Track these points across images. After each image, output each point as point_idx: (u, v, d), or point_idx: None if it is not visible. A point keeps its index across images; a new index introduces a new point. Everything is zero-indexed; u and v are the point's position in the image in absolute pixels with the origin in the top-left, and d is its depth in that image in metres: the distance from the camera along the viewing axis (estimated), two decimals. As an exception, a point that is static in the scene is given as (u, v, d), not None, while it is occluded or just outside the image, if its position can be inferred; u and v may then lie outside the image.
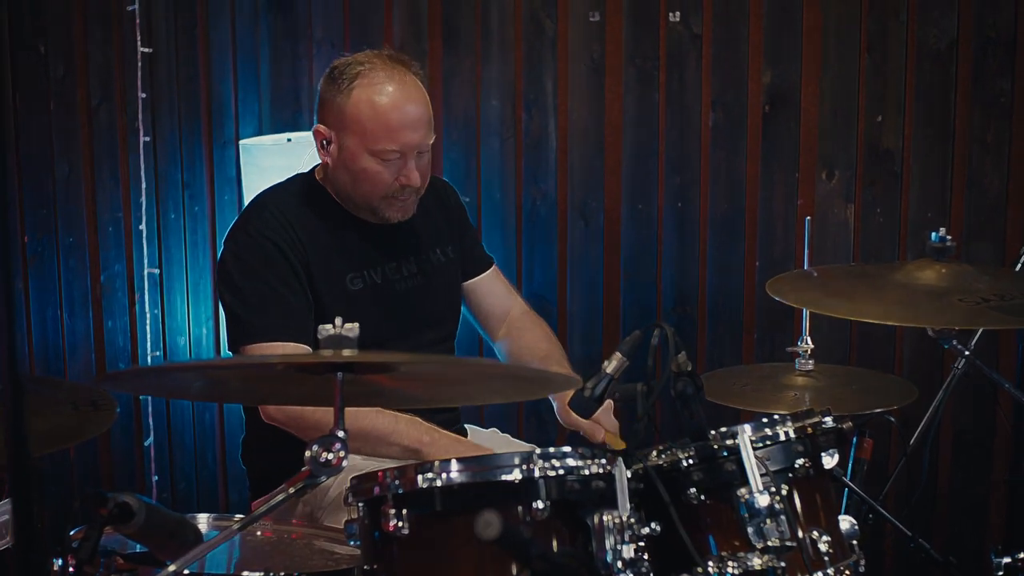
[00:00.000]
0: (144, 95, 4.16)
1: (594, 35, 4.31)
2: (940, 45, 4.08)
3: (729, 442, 2.41)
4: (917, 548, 3.03)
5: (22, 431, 1.54)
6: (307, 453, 2.08)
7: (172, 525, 2.23)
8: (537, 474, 2.25)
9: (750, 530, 2.37)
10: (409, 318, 3.29)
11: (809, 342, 3.25)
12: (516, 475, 2.26)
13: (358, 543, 2.39)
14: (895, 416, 3.31)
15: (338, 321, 2.09)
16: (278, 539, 2.82)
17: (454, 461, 2.26)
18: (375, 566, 2.32)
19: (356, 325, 2.09)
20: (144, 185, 4.24)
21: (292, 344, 3.11)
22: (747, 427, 2.43)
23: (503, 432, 3.54)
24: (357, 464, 3.05)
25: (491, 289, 3.54)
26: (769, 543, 2.35)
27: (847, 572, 2.48)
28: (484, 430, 3.53)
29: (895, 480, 3.47)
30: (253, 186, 4.26)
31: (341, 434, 2.09)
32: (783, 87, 4.20)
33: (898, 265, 3.06)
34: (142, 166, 4.21)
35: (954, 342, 3.08)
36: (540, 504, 2.24)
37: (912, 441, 3.35)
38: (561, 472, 2.26)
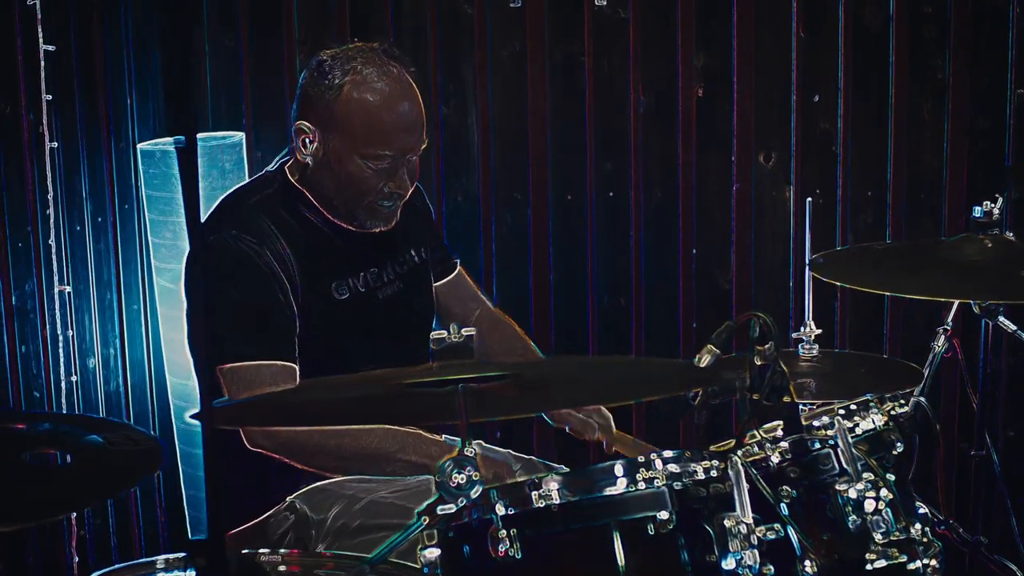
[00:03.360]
0: (49, 97, 3.82)
1: (515, 22, 4.14)
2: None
3: (822, 433, 2.29)
4: (948, 529, 2.98)
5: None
6: (436, 478, 1.87)
7: None
8: (659, 483, 2.08)
9: (854, 525, 2.26)
10: (395, 325, 3.08)
11: (813, 327, 3.15)
12: (632, 486, 2.09)
13: (438, 572, 2.17)
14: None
15: (454, 327, 1.89)
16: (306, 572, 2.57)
17: (558, 477, 2.07)
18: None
19: (473, 331, 1.89)
20: (51, 195, 3.89)
21: (278, 363, 2.87)
22: (838, 418, 2.31)
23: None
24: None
25: (458, 292, 3.36)
26: (878, 537, 2.24)
27: (935, 561, 2.39)
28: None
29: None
30: (156, 193, 3.96)
31: (471, 452, 1.88)
32: (716, 70, 4.12)
33: (940, 241, 3.00)
34: (48, 175, 3.86)
35: (1001, 319, 3.03)
36: (664, 515, 2.07)
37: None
38: (682, 478, 2.10)
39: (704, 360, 2.27)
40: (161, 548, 4.21)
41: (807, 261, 3.09)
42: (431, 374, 1.85)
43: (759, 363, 2.27)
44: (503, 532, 2.04)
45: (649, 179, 4.21)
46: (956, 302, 3.27)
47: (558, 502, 2.04)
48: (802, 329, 3.17)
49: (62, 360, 3.96)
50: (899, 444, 2.41)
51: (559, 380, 2.19)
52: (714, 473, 2.15)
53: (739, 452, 2.19)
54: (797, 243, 4.17)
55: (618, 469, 2.12)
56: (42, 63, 3.81)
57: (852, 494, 2.24)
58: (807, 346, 3.17)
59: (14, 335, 3.82)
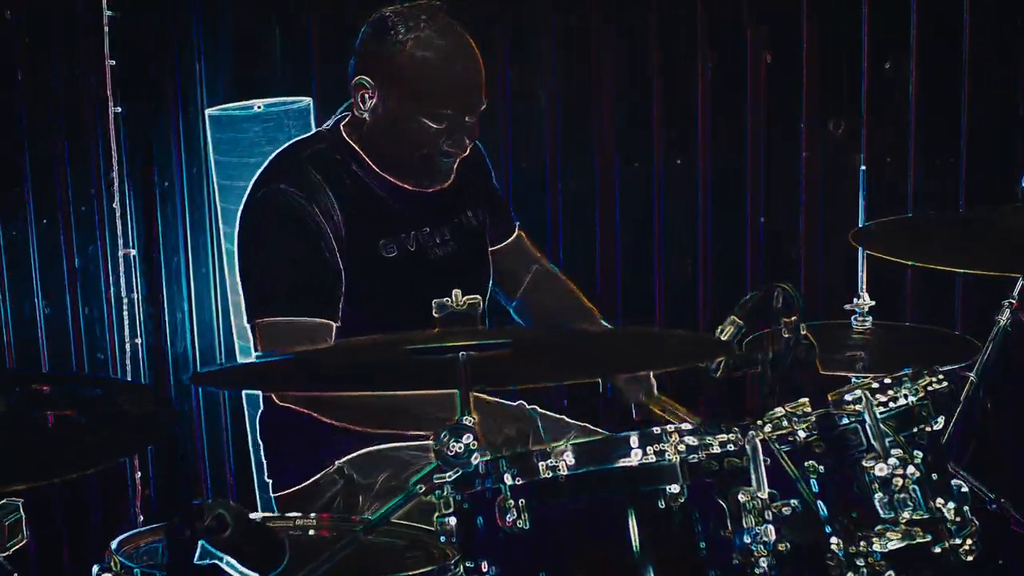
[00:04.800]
0: (112, 62, 3.85)
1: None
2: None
3: (850, 408, 2.22)
4: (1001, 509, 2.88)
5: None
6: (433, 445, 1.85)
7: (262, 538, 2.00)
8: (670, 455, 2.04)
9: (880, 503, 2.20)
10: (446, 287, 3.03)
11: (867, 297, 3.07)
12: (644, 457, 2.05)
13: (453, 540, 2.15)
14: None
15: (456, 294, 1.86)
16: (339, 537, 2.57)
17: (572, 448, 2.04)
18: (482, 564, 2.10)
19: (478, 299, 1.87)
20: (115, 160, 3.93)
21: (315, 320, 2.85)
22: (867, 391, 2.24)
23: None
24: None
25: (516, 256, 3.29)
26: (905, 515, 2.17)
27: (970, 541, 2.31)
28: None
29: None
30: (223, 159, 3.99)
31: (470, 421, 1.86)
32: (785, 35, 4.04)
33: (995, 212, 2.89)
34: (112, 140, 3.90)
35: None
36: (676, 488, 2.03)
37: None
38: (695, 450, 2.06)
39: (727, 332, 2.23)
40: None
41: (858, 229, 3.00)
42: (433, 340, 1.83)
43: (785, 335, 2.22)
44: (511, 502, 2.02)
45: (716, 146, 4.14)
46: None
47: (566, 473, 2.01)
48: (855, 300, 3.09)
49: (126, 323, 4.01)
50: (936, 420, 2.34)
51: (563, 349, 2.16)
52: (731, 447, 2.10)
53: (757, 426, 2.14)
54: (868, 213, 4.07)
55: (633, 440, 2.08)
56: (106, 29, 3.84)
57: (879, 471, 2.18)
58: (860, 318, 3.09)
59: (77, 298, 3.87)
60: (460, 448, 1.85)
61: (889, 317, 3.37)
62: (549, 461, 2.02)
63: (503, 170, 4.19)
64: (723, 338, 2.22)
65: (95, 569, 2.17)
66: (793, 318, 2.23)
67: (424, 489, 1.86)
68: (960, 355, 3.09)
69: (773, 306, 2.17)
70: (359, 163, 2.98)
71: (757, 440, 2.07)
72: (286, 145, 3.11)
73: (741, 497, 2.06)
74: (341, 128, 3.02)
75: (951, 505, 2.27)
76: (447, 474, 1.86)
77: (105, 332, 3.97)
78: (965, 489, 2.36)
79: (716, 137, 4.15)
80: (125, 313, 4.02)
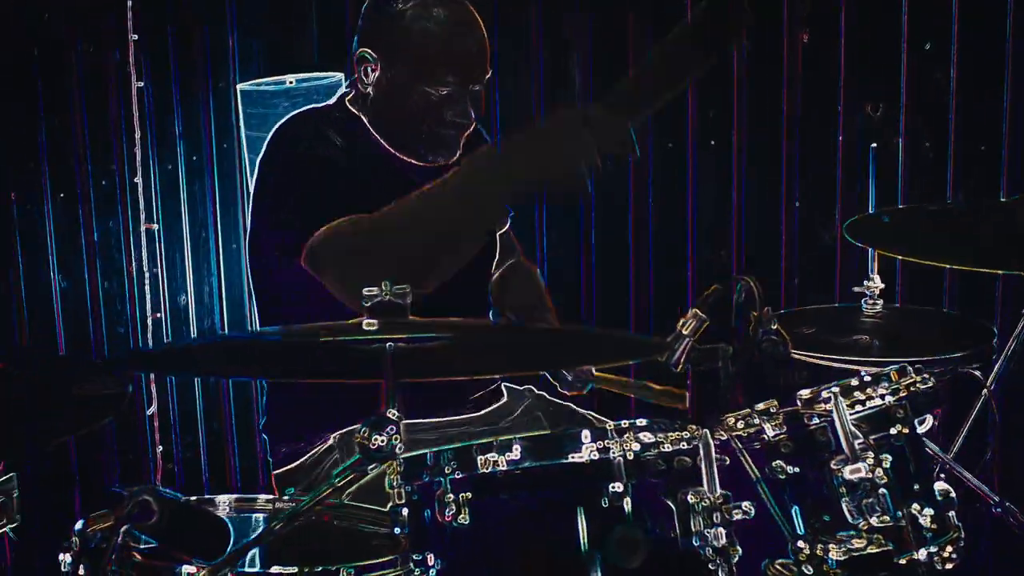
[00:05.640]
0: (136, 37, 3.85)
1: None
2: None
3: (820, 407, 2.13)
4: (1005, 512, 2.77)
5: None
6: (356, 438, 1.80)
7: (198, 522, 1.96)
8: (614, 453, 1.97)
9: (848, 507, 2.10)
10: None
11: (878, 280, 2.95)
12: (590, 455, 1.98)
13: (406, 531, 2.11)
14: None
15: (386, 283, 1.81)
16: (306, 521, 2.54)
17: (517, 443, 1.98)
18: (428, 557, 2.05)
19: (407, 287, 1.81)
20: (138, 135, 3.94)
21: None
22: (837, 389, 2.15)
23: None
24: None
25: (503, 241, 3.27)
26: (873, 521, 2.08)
27: (949, 549, 2.21)
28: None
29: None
30: (254, 134, 3.97)
31: (394, 414, 1.81)
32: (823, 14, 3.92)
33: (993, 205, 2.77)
34: (135, 114, 3.91)
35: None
36: (619, 487, 1.96)
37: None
38: (639, 449, 1.99)
39: (689, 325, 2.15)
40: (259, 484, 4.26)
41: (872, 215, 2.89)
42: (361, 332, 1.78)
43: (752, 329, 2.14)
44: (450, 496, 1.96)
45: (753, 127, 4.04)
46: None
47: (504, 468, 1.95)
48: (864, 283, 2.98)
49: (148, 296, 4.02)
50: (922, 421, 2.24)
51: (494, 345, 2.09)
52: (684, 445, 2.02)
53: (715, 424, 2.06)
54: (906, 198, 3.95)
55: (585, 435, 2.02)
56: (128, 3, 3.84)
57: (846, 474, 2.09)
58: (870, 301, 2.98)
59: (96, 272, 3.88)
60: (383, 441, 1.79)
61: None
62: (490, 455, 1.96)
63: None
64: (684, 332, 2.15)
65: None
66: (766, 310, 2.15)
67: (342, 483, 1.80)
68: (974, 341, 2.96)
69: (735, 299, 2.08)
70: (364, 135, 2.93)
71: (710, 438, 1.99)
72: (300, 110, 3.04)
73: (690, 498, 1.98)
74: (346, 102, 2.98)
75: (928, 511, 2.17)
76: (369, 467, 1.80)
77: (126, 306, 3.99)
78: (953, 494, 2.27)
79: (751, 118, 4.04)
80: (147, 287, 4.03)
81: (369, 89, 2.91)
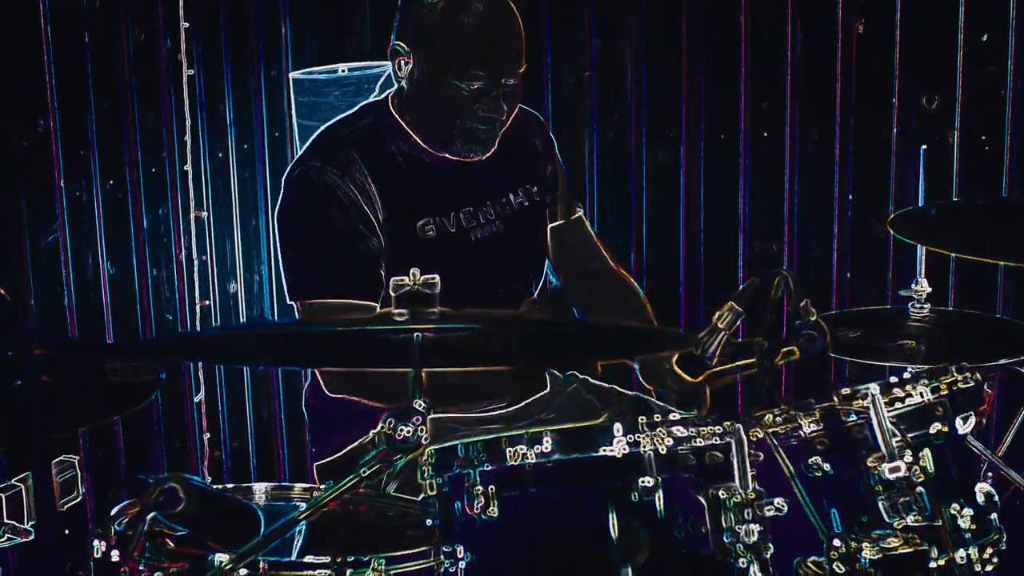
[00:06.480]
0: (187, 25, 3.87)
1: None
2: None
3: (858, 404, 2.10)
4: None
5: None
6: (381, 428, 1.79)
7: (226, 510, 1.96)
8: (645, 447, 1.95)
9: (884, 506, 2.07)
10: (488, 268, 2.96)
11: (925, 284, 2.91)
12: (621, 449, 1.96)
13: (437, 522, 2.10)
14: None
15: (415, 272, 1.80)
16: (343, 511, 2.54)
17: (548, 435, 1.96)
18: (458, 549, 2.04)
19: (436, 278, 1.80)
20: (189, 123, 3.95)
21: (348, 300, 2.82)
22: (876, 387, 2.11)
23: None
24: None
25: (569, 240, 3.16)
26: (908, 520, 2.05)
27: (989, 551, 2.17)
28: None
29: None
30: (305, 123, 3.98)
31: (421, 405, 1.79)
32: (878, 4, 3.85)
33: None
34: (186, 102, 3.92)
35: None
36: (649, 481, 1.94)
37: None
38: (671, 444, 1.96)
39: (725, 319, 2.12)
40: (308, 473, 4.26)
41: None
42: (390, 322, 1.78)
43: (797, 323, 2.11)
44: (479, 488, 1.95)
45: (805, 119, 3.99)
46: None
47: (532, 461, 1.94)
48: (912, 286, 2.93)
49: (197, 284, 4.03)
50: (966, 419, 2.20)
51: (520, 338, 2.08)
52: (717, 440, 1.99)
53: (751, 420, 2.03)
54: (962, 192, 3.88)
55: (617, 429, 2.00)
56: (180, -9, 3.86)
57: (883, 472, 2.06)
58: (917, 305, 2.94)
59: (145, 259, 3.89)
60: (408, 432, 1.78)
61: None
62: (519, 447, 1.95)
63: (588, 142, 4.11)
64: (720, 325, 2.12)
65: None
66: (804, 303, 2.12)
67: (368, 472, 1.80)
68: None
69: (772, 294, 2.05)
70: (402, 137, 2.93)
71: (743, 434, 1.96)
72: (331, 121, 3.07)
73: (721, 494, 1.95)
74: (389, 101, 2.98)
75: (968, 511, 2.13)
76: (396, 458, 1.79)
77: (175, 293, 4.00)
78: (995, 496, 2.23)
79: (804, 110, 3.99)
80: (196, 275, 4.04)
81: (403, 83, 2.90)
